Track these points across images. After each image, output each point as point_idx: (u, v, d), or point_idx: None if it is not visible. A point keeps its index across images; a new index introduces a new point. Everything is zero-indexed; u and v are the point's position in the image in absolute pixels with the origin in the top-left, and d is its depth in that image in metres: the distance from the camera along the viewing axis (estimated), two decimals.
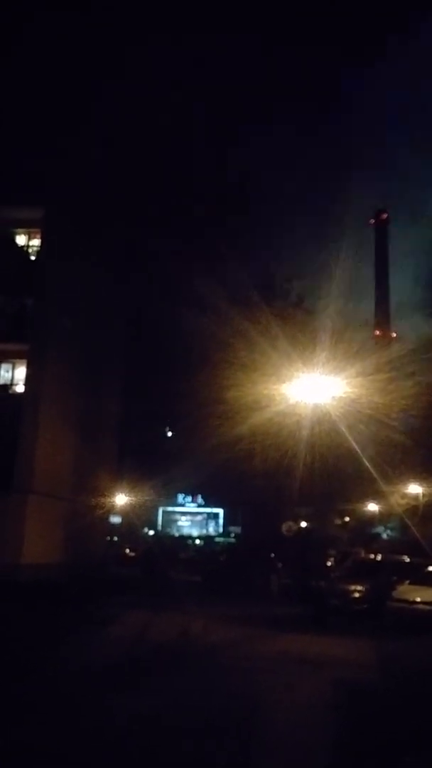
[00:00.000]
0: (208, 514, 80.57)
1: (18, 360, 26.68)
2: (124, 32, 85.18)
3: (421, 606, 15.86)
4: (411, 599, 16.17)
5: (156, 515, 74.14)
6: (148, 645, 12.77)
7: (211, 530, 77.69)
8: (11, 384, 27.00)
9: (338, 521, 44.51)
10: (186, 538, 71.03)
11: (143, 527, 59.19)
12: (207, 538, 71.84)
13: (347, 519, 44.98)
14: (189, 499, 79.35)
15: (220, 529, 76.54)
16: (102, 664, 10.32)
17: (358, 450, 22.28)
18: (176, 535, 73.80)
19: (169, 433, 47.53)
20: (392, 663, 11.84)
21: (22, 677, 9.13)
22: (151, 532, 67.64)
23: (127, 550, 40.04)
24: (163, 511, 77.63)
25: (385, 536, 42.76)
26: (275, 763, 6.08)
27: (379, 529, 43.96)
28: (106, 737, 6.62)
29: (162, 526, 77.04)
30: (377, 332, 50.96)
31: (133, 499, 38.12)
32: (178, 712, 7.67)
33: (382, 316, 62.12)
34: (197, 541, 69.50)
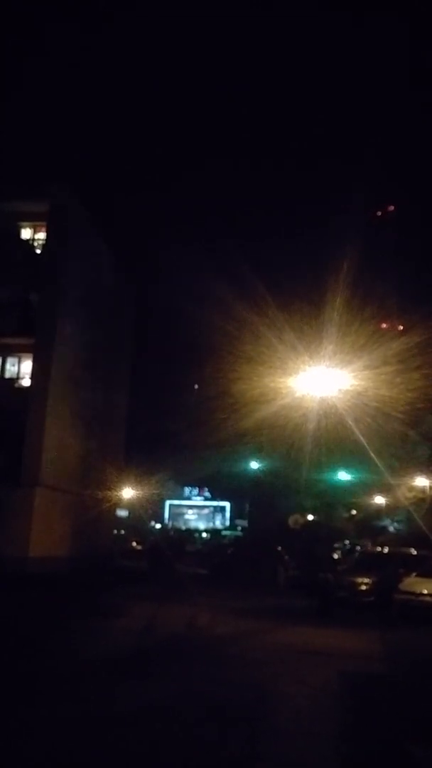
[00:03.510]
0: (215, 507, 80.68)
1: (24, 354, 26.77)
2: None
3: (427, 598, 15.90)
4: (417, 591, 16.22)
5: (163, 509, 74.36)
6: (155, 636, 12.81)
7: (218, 523, 77.77)
8: (18, 378, 27.10)
9: (345, 514, 44.54)
10: (193, 532, 71.11)
11: (150, 521, 59.30)
12: (214, 532, 71.89)
13: (354, 512, 45.03)
14: (196, 492, 79.49)
15: (227, 523, 76.58)
16: (109, 655, 10.36)
17: (365, 443, 22.26)
18: (183, 528, 73.92)
19: (176, 426, 47.62)
20: (398, 654, 11.88)
21: (30, 666, 9.18)
22: (158, 526, 67.80)
23: (134, 544, 40.09)
24: (170, 505, 77.83)
25: (391, 529, 42.72)
26: (282, 751, 6.10)
27: (386, 521, 43.93)
28: (113, 723, 6.66)
29: (169, 519, 77.24)
30: (384, 325, 50.77)
31: (140, 492, 38.26)
32: (185, 700, 7.70)
33: (389, 309, 61.82)
34: (204, 535, 69.56)
